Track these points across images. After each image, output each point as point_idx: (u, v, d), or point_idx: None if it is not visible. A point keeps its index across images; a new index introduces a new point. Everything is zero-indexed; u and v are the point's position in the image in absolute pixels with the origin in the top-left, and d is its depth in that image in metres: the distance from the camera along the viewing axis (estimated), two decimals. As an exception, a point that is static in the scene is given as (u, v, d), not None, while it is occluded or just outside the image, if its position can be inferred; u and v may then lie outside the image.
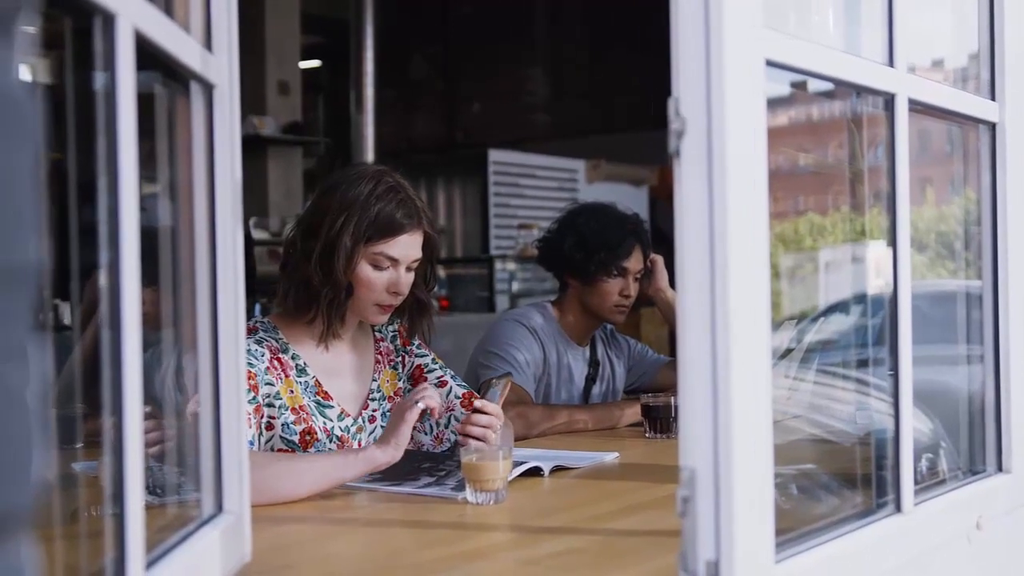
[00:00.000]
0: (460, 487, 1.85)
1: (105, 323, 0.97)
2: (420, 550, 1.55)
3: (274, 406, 2.08)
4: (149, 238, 1.08)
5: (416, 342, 2.36)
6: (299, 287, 2.14)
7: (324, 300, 2.12)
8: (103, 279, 0.97)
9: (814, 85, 1.50)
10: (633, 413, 2.74)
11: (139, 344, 0.99)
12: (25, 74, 0.57)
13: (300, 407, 2.12)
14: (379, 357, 2.31)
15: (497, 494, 1.80)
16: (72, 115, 1.03)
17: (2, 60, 0.54)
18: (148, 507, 1.03)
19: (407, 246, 2.15)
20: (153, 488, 1.28)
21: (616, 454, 2.30)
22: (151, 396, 1.13)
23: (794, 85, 1.43)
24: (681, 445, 1.15)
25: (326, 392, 2.18)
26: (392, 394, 2.30)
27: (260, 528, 1.45)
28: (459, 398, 2.28)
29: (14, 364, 0.54)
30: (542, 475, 2.05)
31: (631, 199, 7.07)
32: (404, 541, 1.62)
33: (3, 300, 0.53)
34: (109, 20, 0.96)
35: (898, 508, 1.47)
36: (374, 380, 2.28)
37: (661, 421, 2.57)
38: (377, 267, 2.13)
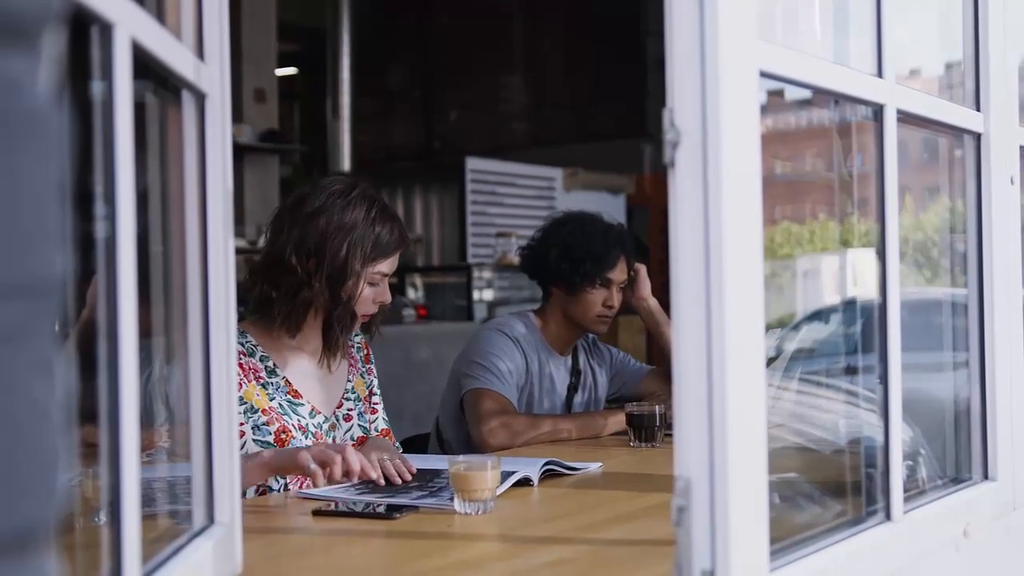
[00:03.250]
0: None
1: (102, 333, 0.96)
2: (411, 561, 1.55)
3: (240, 412, 2.11)
4: (139, 246, 1.07)
5: (371, 363, 2.46)
6: (300, 308, 2.19)
7: (338, 323, 2.20)
8: (100, 289, 0.97)
9: (790, 94, 1.51)
10: (617, 422, 2.74)
11: (135, 354, 0.98)
12: (50, 87, 0.57)
13: (270, 408, 2.17)
14: (352, 360, 2.39)
15: (485, 504, 1.80)
16: (66, 123, 1.02)
17: (29, 75, 0.54)
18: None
19: (396, 261, 2.28)
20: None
21: (600, 464, 2.30)
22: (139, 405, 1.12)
23: (771, 93, 1.43)
24: (676, 454, 1.15)
25: (296, 391, 2.24)
26: (363, 397, 2.38)
27: (251, 540, 1.44)
28: (378, 431, 2.37)
29: (41, 377, 0.54)
30: (531, 485, 2.04)
31: (608, 207, 7.07)
32: (394, 552, 1.61)
33: (30, 313, 0.53)
34: (107, 29, 0.95)
35: (888, 516, 1.47)
36: (349, 381, 2.36)
37: (646, 430, 2.57)
38: (372, 283, 2.24)
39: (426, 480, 2.07)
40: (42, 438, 0.53)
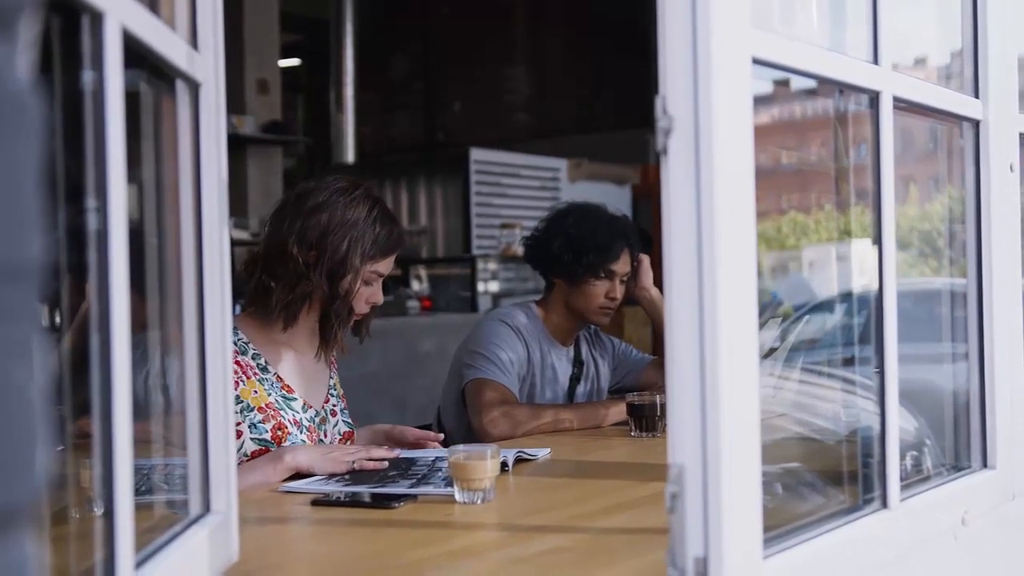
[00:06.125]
0: (450, 483, 1.85)
1: (94, 325, 0.96)
2: (409, 549, 1.55)
3: (236, 411, 2.13)
4: (133, 238, 1.07)
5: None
6: (298, 299, 2.21)
7: (336, 318, 2.23)
8: (91, 281, 0.97)
9: (796, 83, 1.50)
10: (618, 412, 2.74)
11: (128, 345, 0.99)
12: (27, 72, 0.57)
13: (266, 405, 2.19)
14: (332, 359, 2.42)
15: (485, 493, 1.80)
16: (57, 114, 1.03)
17: (5, 59, 0.54)
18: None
19: (392, 263, 2.30)
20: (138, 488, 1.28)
21: (548, 450, 2.31)
22: (135, 397, 1.13)
23: (776, 83, 1.43)
24: (670, 442, 1.15)
25: (288, 386, 2.26)
26: (340, 396, 2.42)
27: (247, 528, 1.44)
28: (340, 434, 2.37)
29: (20, 360, 0.54)
30: (507, 471, 2.05)
31: (614, 198, 7.08)
32: (392, 541, 1.62)
33: (10, 296, 0.53)
34: (97, 18, 0.95)
35: (884, 504, 1.47)
36: (331, 378, 2.40)
37: (646, 419, 2.57)
38: (367, 283, 2.25)
39: (404, 469, 2.07)
40: (20, 420, 0.54)
